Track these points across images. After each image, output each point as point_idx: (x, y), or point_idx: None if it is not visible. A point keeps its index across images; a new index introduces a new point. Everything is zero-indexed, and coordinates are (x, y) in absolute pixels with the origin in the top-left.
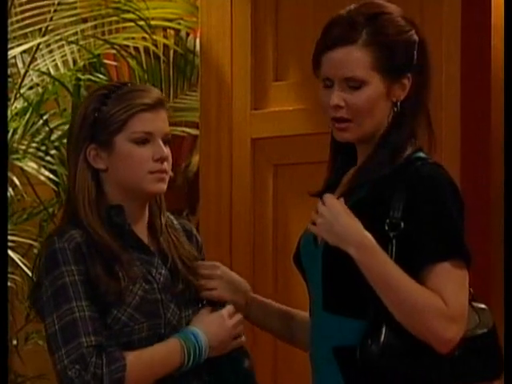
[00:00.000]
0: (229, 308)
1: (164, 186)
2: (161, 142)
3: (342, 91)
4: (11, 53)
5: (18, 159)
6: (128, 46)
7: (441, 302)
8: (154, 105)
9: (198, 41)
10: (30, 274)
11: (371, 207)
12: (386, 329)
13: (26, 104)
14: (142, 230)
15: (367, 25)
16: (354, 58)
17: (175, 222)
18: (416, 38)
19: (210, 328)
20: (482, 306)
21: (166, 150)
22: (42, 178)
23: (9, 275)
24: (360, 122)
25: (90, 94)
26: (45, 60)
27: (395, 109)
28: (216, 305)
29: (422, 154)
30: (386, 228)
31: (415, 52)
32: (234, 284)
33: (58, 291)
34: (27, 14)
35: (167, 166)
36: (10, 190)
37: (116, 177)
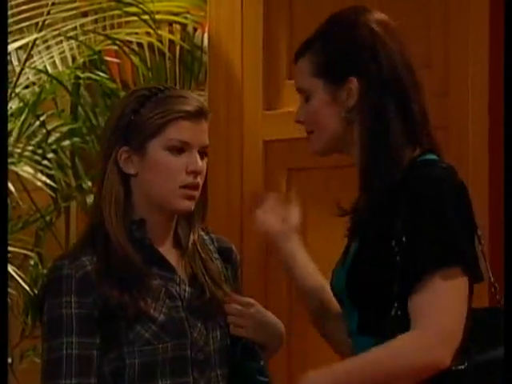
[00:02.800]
0: None
1: (192, 206)
2: (197, 154)
3: (301, 104)
4: None
5: (12, 163)
6: (131, 42)
7: (414, 341)
8: (195, 113)
9: (205, 36)
10: (25, 286)
11: (382, 226)
12: None
13: (21, 104)
14: (166, 245)
15: (316, 33)
16: (300, 69)
17: (206, 237)
18: (367, 40)
19: None
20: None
21: (202, 164)
22: (39, 183)
23: None
24: (316, 134)
25: (129, 94)
26: (42, 57)
27: (347, 118)
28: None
29: (430, 156)
30: (393, 244)
31: (361, 54)
32: (267, 326)
33: (53, 322)
34: (23, 8)
35: (200, 180)
36: None
37: (144, 185)
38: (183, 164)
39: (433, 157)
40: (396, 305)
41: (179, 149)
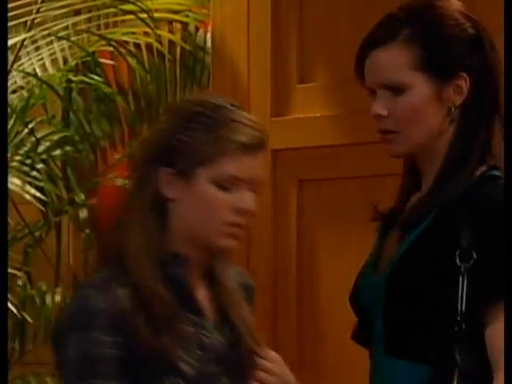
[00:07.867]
0: None
1: (235, 243)
2: (247, 191)
3: (385, 99)
4: None
5: None
6: (127, 43)
7: None
8: (252, 146)
9: (208, 36)
10: (13, 309)
11: (439, 236)
12: (459, 376)
13: (8, 110)
14: (195, 283)
15: (408, 21)
16: (390, 59)
17: (231, 271)
18: (472, 33)
19: None
20: None
21: (252, 203)
22: (27, 196)
23: None
24: (408, 132)
25: (178, 105)
26: (30, 59)
27: (451, 116)
28: None
29: (496, 173)
30: (457, 260)
31: (469, 49)
32: None
33: (86, 361)
34: (10, 5)
35: (247, 220)
36: None
37: (184, 214)
38: (231, 200)
39: (498, 174)
40: (461, 325)
41: (230, 185)
